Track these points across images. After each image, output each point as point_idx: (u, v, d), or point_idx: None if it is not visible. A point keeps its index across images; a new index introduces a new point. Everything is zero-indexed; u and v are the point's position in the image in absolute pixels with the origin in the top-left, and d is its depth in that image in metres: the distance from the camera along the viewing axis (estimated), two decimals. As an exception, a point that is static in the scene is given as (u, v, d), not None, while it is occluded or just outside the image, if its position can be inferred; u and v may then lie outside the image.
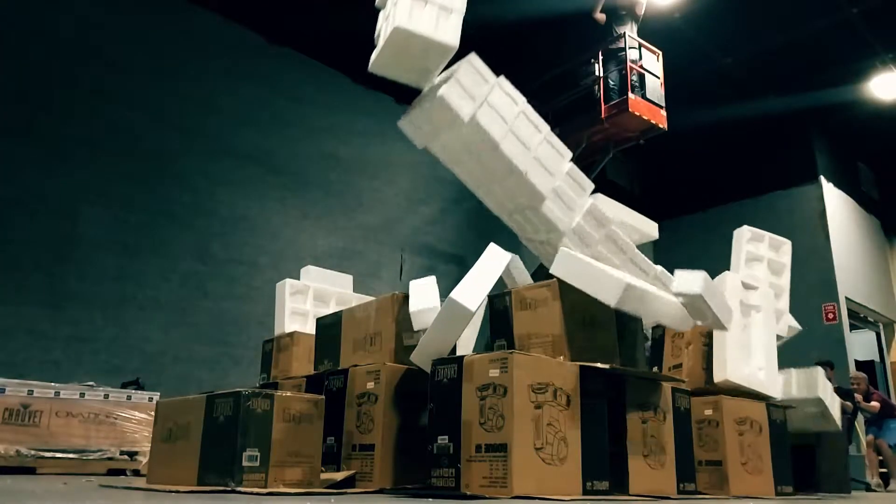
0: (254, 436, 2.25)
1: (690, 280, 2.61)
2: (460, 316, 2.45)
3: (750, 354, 3.35)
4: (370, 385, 2.66)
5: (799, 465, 3.58)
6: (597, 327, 2.68)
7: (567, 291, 2.62)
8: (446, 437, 2.24)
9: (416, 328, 2.73)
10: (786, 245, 4.11)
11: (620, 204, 3.82)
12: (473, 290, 2.53)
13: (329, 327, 3.28)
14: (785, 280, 4.00)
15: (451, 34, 2.84)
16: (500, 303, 2.76)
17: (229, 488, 2.15)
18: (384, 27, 3.00)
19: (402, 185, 8.38)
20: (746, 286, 3.57)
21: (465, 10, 2.95)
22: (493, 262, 2.75)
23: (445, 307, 2.48)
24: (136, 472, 3.90)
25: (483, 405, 2.20)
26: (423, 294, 2.79)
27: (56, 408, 4.04)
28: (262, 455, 2.26)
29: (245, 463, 2.21)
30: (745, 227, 4.06)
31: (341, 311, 3.28)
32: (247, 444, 2.23)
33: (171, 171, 6.62)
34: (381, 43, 2.94)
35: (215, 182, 6.91)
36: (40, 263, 5.69)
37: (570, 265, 2.58)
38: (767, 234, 4.08)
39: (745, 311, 3.46)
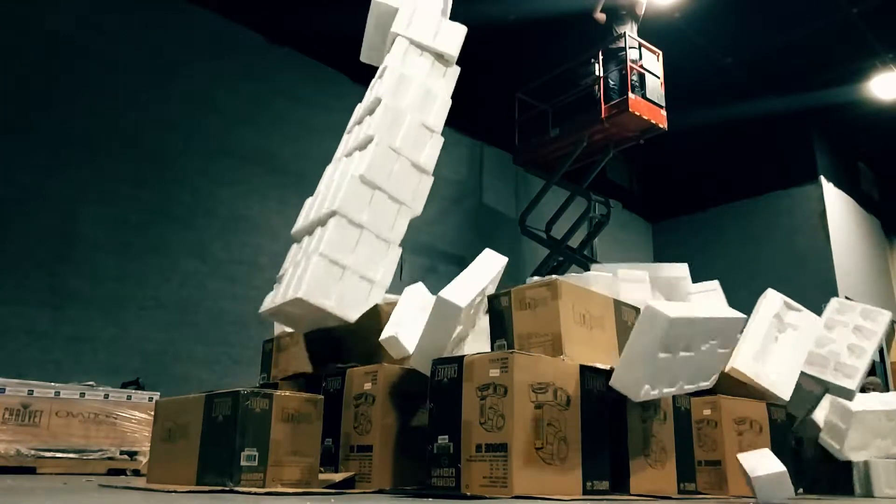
0: (252, 435, 2.25)
1: (776, 490, 2.55)
2: (451, 314, 2.44)
3: (766, 358, 3.35)
4: (367, 386, 2.66)
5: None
6: (596, 326, 2.69)
7: (567, 291, 2.62)
8: (446, 436, 2.24)
9: (392, 354, 2.73)
10: (882, 316, 4.14)
11: (645, 264, 3.93)
12: (463, 288, 2.53)
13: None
14: (870, 344, 4.01)
15: (355, 312, 2.79)
16: (499, 303, 2.76)
17: (227, 488, 2.15)
18: (290, 274, 2.94)
19: (402, 185, 8.38)
20: (789, 306, 3.59)
21: (388, 284, 2.89)
22: (487, 265, 2.76)
23: (435, 306, 2.48)
24: (137, 472, 3.90)
25: (483, 405, 2.20)
26: (401, 323, 2.78)
27: (56, 408, 4.04)
28: (261, 455, 2.26)
29: (243, 463, 2.21)
30: (835, 299, 4.19)
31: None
32: (245, 443, 2.23)
33: (171, 171, 6.62)
34: (279, 297, 2.85)
35: (215, 182, 6.90)
36: (40, 263, 5.68)
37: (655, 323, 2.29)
38: (860, 305, 4.16)
39: (780, 326, 3.47)
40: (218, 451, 2.26)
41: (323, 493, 2.26)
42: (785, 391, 3.35)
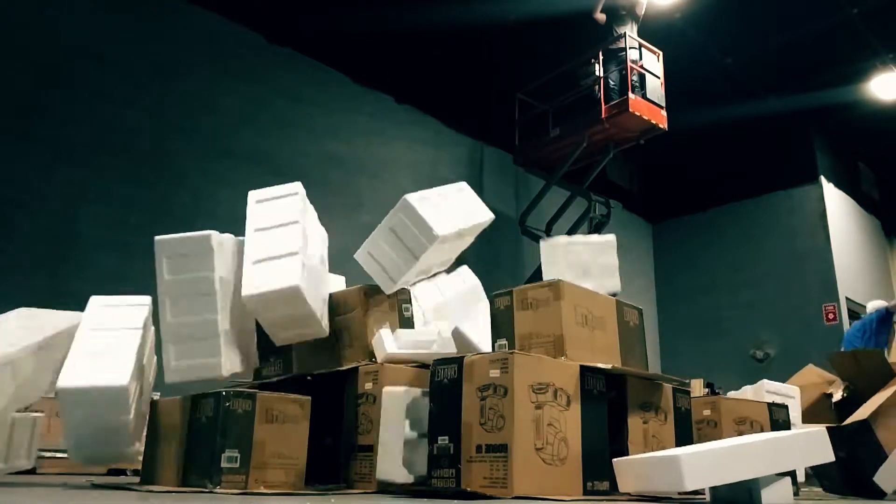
0: (234, 437, 2.23)
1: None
2: (424, 235, 2.53)
3: None
4: (369, 385, 2.66)
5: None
6: (598, 327, 2.68)
7: (569, 291, 2.61)
8: (446, 437, 2.24)
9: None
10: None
11: None
12: (441, 213, 2.53)
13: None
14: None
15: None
16: (501, 302, 2.76)
17: (206, 489, 2.14)
18: None
19: (402, 185, 8.34)
20: None
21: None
22: (473, 211, 2.73)
23: (399, 208, 2.53)
24: (137, 472, 3.89)
25: (483, 405, 2.19)
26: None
27: (56, 408, 4.02)
28: (243, 456, 2.23)
29: (224, 464, 2.19)
30: None
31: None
32: (226, 444, 2.21)
33: (171, 171, 6.62)
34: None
35: (215, 182, 6.90)
36: (40, 263, 5.68)
37: None
38: None
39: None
40: (200, 453, 2.26)
41: (300, 495, 2.25)
42: None
